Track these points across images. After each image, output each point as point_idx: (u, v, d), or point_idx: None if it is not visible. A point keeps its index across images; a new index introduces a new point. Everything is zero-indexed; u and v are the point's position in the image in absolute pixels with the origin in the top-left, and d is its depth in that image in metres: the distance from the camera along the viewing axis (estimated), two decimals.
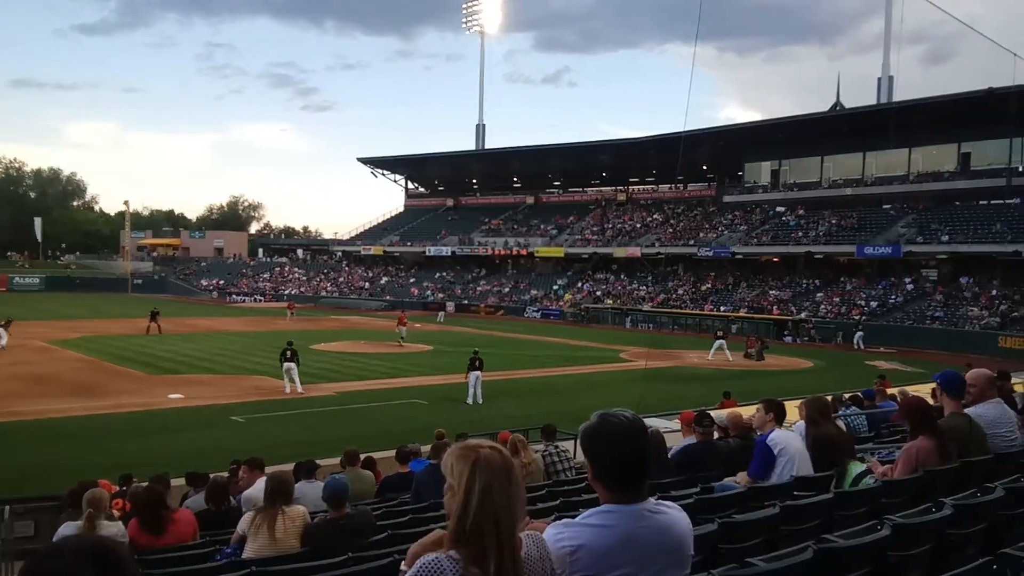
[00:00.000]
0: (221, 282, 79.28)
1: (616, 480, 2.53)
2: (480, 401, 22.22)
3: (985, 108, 44.20)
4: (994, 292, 44.25)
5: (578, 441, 2.56)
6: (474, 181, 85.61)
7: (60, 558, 1.48)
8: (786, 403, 6.76)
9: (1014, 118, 40.14)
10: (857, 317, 45.42)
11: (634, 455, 2.52)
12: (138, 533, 6.66)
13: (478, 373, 22.66)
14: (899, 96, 56.52)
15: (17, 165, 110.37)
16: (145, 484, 8.39)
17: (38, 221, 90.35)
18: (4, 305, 38.36)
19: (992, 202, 49.60)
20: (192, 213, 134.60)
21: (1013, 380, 10.49)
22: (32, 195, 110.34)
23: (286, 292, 70.61)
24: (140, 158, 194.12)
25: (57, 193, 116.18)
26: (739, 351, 35.38)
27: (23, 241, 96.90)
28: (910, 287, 48.27)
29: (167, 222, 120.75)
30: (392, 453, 10.68)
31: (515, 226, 75.55)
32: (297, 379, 23.58)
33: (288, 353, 23.70)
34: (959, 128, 49.82)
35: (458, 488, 2.12)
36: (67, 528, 6.62)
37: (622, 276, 63.25)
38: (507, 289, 67.53)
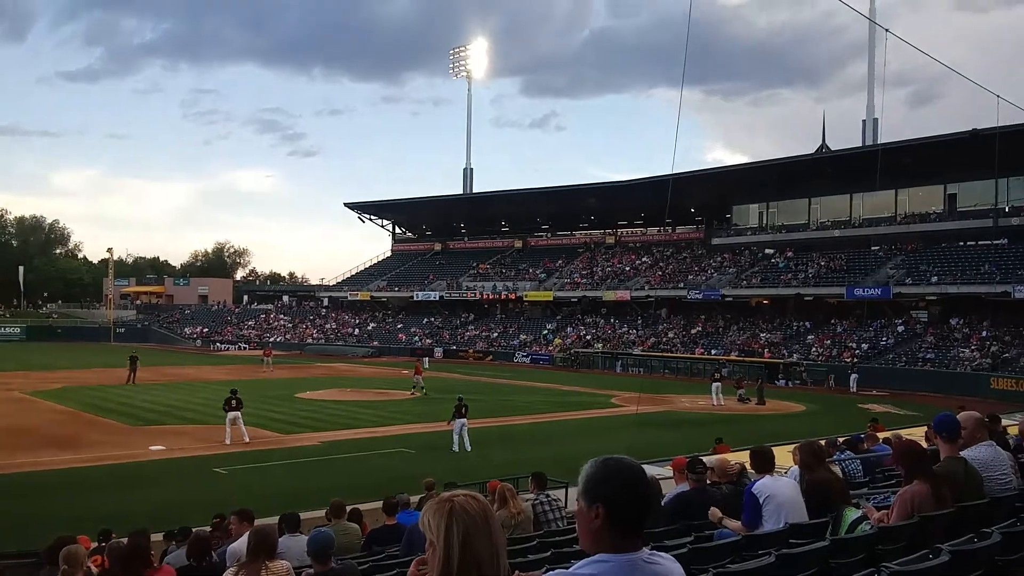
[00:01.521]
0: (205, 330, 78.75)
1: (615, 528, 2.45)
2: (468, 448, 21.92)
3: (970, 149, 44.80)
4: (984, 333, 44.41)
5: (579, 486, 2.48)
6: (462, 225, 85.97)
7: None
8: (780, 448, 6.67)
9: (999, 159, 40.71)
10: (849, 360, 45.43)
11: (636, 502, 2.44)
12: None
13: (464, 420, 22.34)
14: (885, 138, 57.32)
15: (0, 213, 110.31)
16: (124, 539, 8.15)
17: (21, 269, 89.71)
18: None
19: (980, 243, 50.01)
20: (177, 260, 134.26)
21: (1006, 422, 10.42)
22: (14, 243, 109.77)
23: (271, 339, 70.09)
24: (124, 205, 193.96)
25: (40, 241, 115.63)
26: (732, 395, 35.26)
27: (5, 290, 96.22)
28: (901, 329, 48.42)
29: (151, 269, 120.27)
30: (379, 504, 10.46)
31: (503, 270, 75.68)
32: (243, 428, 22.91)
33: (233, 401, 22.98)
34: (945, 169, 50.48)
35: (437, 539, 2.07)
36: None
37: (612, 320, 63.25)
38: (496, 334, 67.36)
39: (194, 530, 9.08)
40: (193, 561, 7.55)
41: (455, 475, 14.68)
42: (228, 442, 22.37)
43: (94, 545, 9.14)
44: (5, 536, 12.71)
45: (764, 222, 63.24)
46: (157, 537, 9.79)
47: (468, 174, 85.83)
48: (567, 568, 2.49)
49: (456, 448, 21.86)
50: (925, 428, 7.95)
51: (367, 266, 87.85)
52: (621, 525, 2.46)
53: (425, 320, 73.45)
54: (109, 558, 8.19)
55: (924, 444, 6.11)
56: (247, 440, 22.60)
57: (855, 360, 45.11)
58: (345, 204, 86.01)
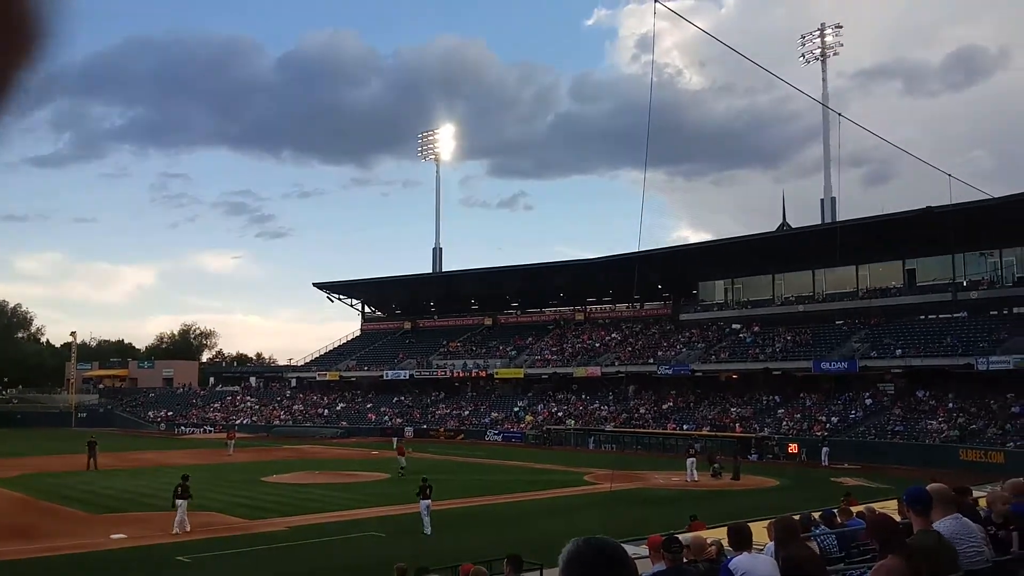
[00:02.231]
0: (170, 413, 77.00)
1: None
2: (427, 532, 21.39)
3: (925, 226, 46.17)
4: (951, 404, 44.89)
5: (559, 566, 2.46)
6: (432, 304, 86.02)
7: None
8: (756, 523, 6.66)
9: (954, 235, 42.04)
10: (819, 433, 45.58)
11: None
12: None
13: (428, 501, 21.95)
14: (843, 215, 58.95)
15: None
16: None
17: None
18: None
19: (940, 316, 51.11)
20: (142, 343, 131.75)
21: (977, 494, 10.48)
22: None
23: (237, 421, 68.68)
24: (88, 288, 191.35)
25: (1, 325, 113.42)
26: (706, 470, 35.08)
27: None
28: (869, 401, 48.84)
29: (115, 353, 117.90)
30: None
31: (474, 348, 75.50)
32: (185, 518, 22.11)
33: (179, 489, 22.40)
34: (902, 245, 51.84)
35: None
36: None
37: (583, 396, 63.04)
38: (467, 412, 66.71)
39: None
40: None
41: (428, 559, 14.34)
42: (176, 531, 21.59)
43: None
44: None
45: (729, 298, 64.09)
46: None
47: (437, 253, 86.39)
48: None
49: (427, 531, 21.39)
50: (897, 501, 7.98)
51: (336, 346, 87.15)
52: None
53: (395, 399, 72.63)
54: None
55: (897, 517, 6.13)
56: (187, 529, 21.73)
57: (825, 434, 45.26)
58: (314, 284, 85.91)
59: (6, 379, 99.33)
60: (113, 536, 21.14)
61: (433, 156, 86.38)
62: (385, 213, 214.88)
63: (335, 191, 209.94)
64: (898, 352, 48.54)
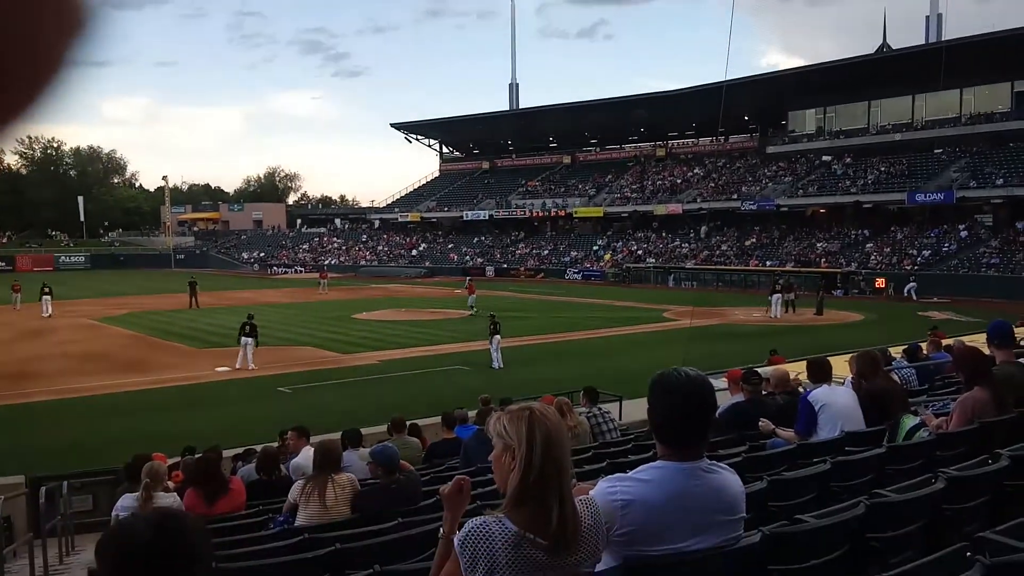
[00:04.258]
0: (262, 254, 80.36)
1: (674, 436, 2.53)
2: (499, 366, 22.09)
3: None
4: None
5: (649, 396, 2.55)
6: (509, 142, 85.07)
7: (131, 530, 1.55)
8: (837, 358, 6.62)
9: None
10: (909, 267, 44.38)
11: (695, 412, 2.50)
12: (193, 503, 6.81)
13: (498, 337, 22.51)
14: (949, 34, 54.63)
15: (56, 144, 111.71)
16: (197, 456, 8.56)
17: (81, 200, 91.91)
18: (51, 284, 39.43)
19: None
20: (229, 186, 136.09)
21: None
22: (73, 174, 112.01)
23: (325, 262, 71.29)
24: (175, 132, 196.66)
25: (97, 171, 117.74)
26: (809, 307, 34.73)
27: (66, 220, 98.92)
28: (964, 234, 46.93)
29: (205, 196, 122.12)
30: (437, 419, 10.75)
31: (552, 187, 75.07)
32: (250, 356, 22.48)
33: (247, 327, 22.64)
34: (1013, 66, 47.95)
35: (519, 443, 2.13)
36: (126, 500, 6.78)
37: (663, 234, 62.58)
38: (546, 251, 67.35)
39: (261, 446, 9.48)
40: (263, 475, 7.91)
41: (509, 391, 14.93)
42: (238, 366, 22.27)
43: (170, 461, 9.61)
44: (87, 455, 13.42)
45: (822, 128, 61.13)
46: (228, 454, 10.23)
47: (514, 89, 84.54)
48: (626, 474, 2.57)
49: (495, 365, 22.16)
50: (986, 335, 7.79)
51: (416, 187, 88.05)
52: (675, 434, 2.53)
53: (476, 239, 73.68)
54: (185, 472, 8.64)
55: (986, 351, 6.00)
56: (252, 367, 22.28)
57: (914, 267, 44.10)
58: (392, 124, 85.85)
59: (106, 223, 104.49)
60: (217, 369, 22.66)
61: None
62: (460, 48, 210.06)
63: (408, 25, 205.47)
64: (999, 181, 45.96)
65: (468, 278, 46.77)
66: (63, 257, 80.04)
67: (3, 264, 74.38)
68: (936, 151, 53.14)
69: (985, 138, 50.70)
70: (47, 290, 36.78)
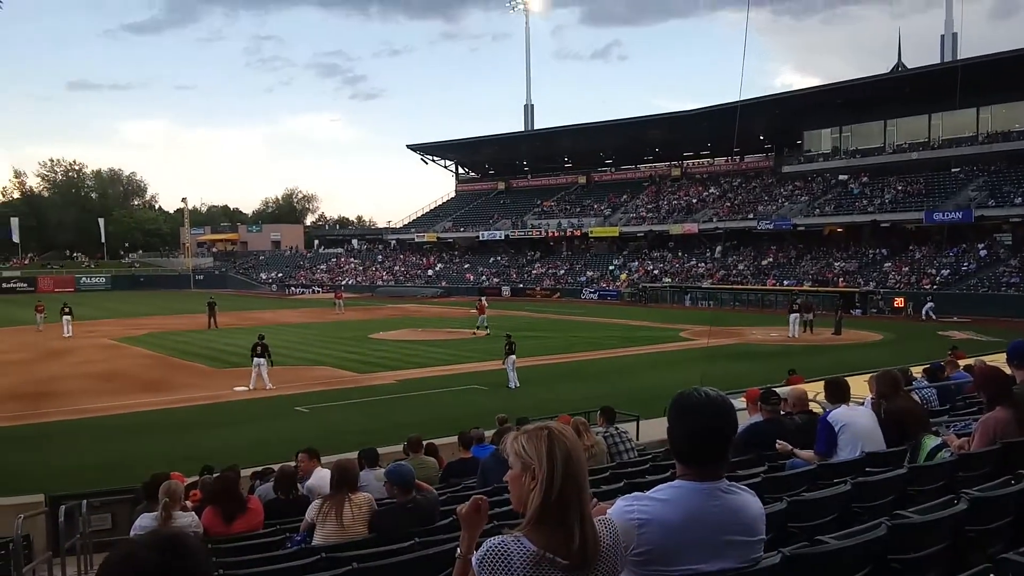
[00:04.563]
0: (280, 275, 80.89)
1: (693, 456, 2.52)
2: (515, 386, 22.11)
3: None
4: None
5: (668, 415, 2.56)
6: (525, 163, 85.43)
7: (133, 553, 1.54)
8: (856, 378, 6.57)
9: None
10: (928, 286, 44.01)
11: (715, 433, 2.49)
12: (211, 522, 6.83)
13: (513, 357, 22.59)
14: (964, 53, 54.42)
15: (77, 167, 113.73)
16: (216, 474, 8.59)
17: (101, 221, 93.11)
18: (72, 304, 39.93)
19: None
20: (248, 207, 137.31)
21: None
22: (94, 196, 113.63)
23: (342, 282, 71.62)
24: (194, 155, 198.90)
25: (118, 193, 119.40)
26: (827, 327, 34.51)
27: (87, 242, 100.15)
28: (983, 253, 46.51)
29: (224, 217, 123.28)
30: (454, 439, 10.73)
31: (568, 207, 75.20)
32: (266, 375, 22.64)
33: (258, 348, 22.71)
34: None
35: (539, 462, 2.14)
36: (144, 519, 6.80)
37: (679, 253, 62.45)
38: (562, 271, 67.35)
39: (279, 465, 9.49)
40: (281, 494, 7.92)
41: (525, 410, 14.90)
42: (252, 387, 22.39)
43: (188, 480, 9.64)
44: (103, 475, 13.49)
45: (838, 147, 60.97)
46: (246, 473, 10.26)
47: (529, 110, 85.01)
48: (643, 493, 2.56)
49: (512, 385, 22.16)
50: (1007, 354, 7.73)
51: (432, 207, 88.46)
52: (694, 454, 2.53)
53: (492, 259, 73.83)
54: (202, 492, 8.66)
55: (1008, 370, 5.95)
56: (270, 386, 22.37)
57: (932, 287, 43.75)
58: (408, 146, 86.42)
59: (126, 244, 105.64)
60: (236, 388, 22.77)
61: (522, 5, 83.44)
62: (475, 69, 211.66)
63: (424, 47, 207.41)
64: (1018, 200, 45.61)
65: (481, 297, 46.79)
66: (84, 278, 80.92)
67: (25, 285, 75.34)
68: (954, 170, 52.82)
69: (1003, 157, 50.37)
70: (67, 311, 37.36)
